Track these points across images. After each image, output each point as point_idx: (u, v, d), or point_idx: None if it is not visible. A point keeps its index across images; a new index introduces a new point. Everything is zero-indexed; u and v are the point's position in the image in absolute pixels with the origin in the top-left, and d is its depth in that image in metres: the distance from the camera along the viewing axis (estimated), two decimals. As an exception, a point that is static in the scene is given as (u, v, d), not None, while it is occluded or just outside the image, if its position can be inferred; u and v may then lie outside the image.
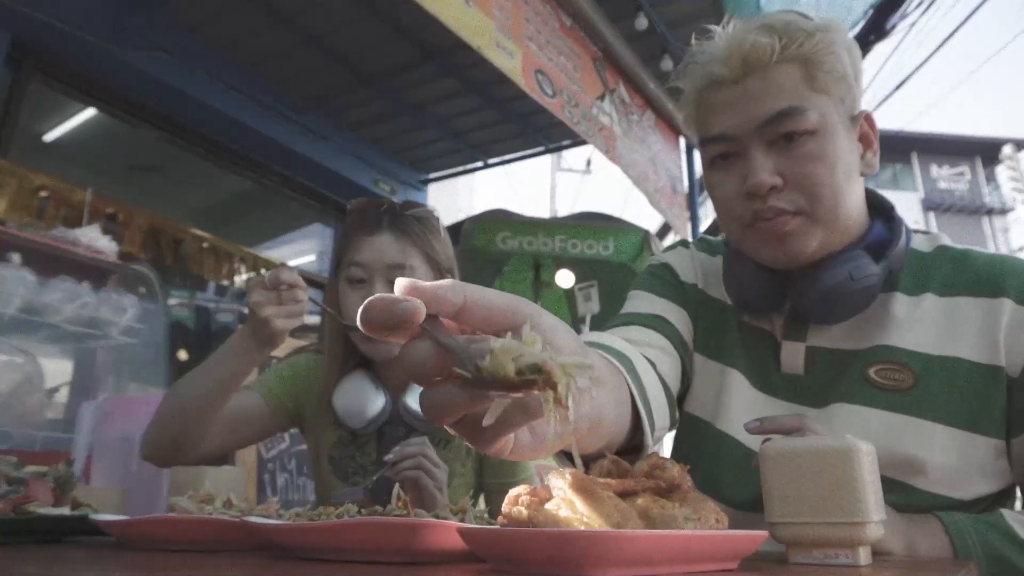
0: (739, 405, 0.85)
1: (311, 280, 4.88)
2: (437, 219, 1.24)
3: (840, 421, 0.77)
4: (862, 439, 0.56)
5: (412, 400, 1.17)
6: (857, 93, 0.79)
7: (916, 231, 0.87)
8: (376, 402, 1.17)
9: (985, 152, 23.73)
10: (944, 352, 0.76)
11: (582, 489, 0.46)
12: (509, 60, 2.71)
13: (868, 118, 0.80)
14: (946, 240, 0.85)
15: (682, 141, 4.53)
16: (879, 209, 0.84)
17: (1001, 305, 0.75)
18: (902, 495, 0.73)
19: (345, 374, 1.21)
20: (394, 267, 1.15)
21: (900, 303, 0.79)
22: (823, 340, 0.81)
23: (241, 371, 1.04)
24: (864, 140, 0.80)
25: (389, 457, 1.03)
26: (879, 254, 0.78)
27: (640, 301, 0.92)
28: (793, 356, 0.82)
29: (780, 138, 0.75)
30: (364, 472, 1.20)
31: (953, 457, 0.73)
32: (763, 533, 0.50)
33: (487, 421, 0.35)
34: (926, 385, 0.75)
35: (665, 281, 0.95)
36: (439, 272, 1.20)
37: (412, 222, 1.18)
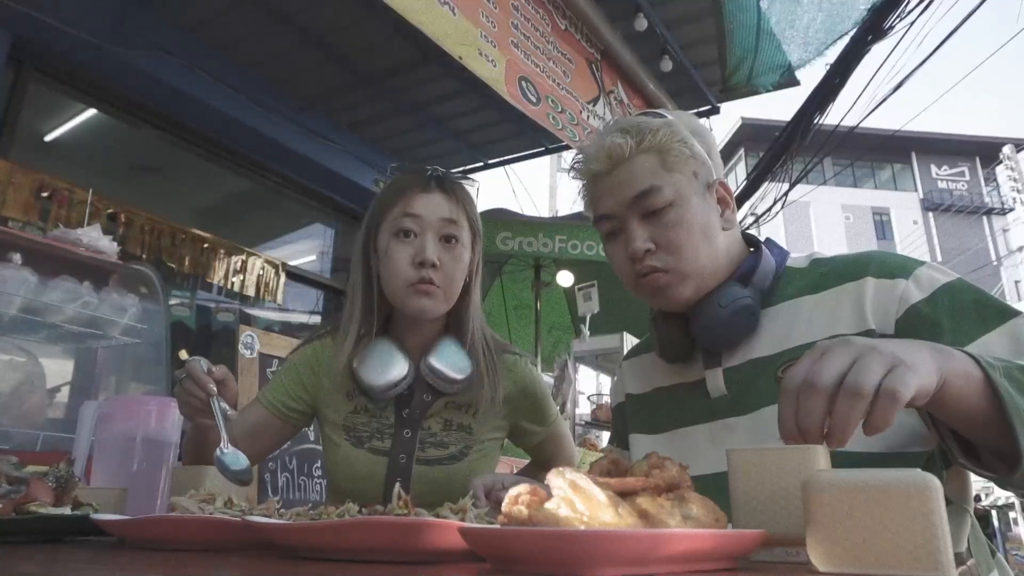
0: (692, 448, 0.96)
1: (311, 280, 4.89)
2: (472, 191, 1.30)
3: (765, 421, 0.86)
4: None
5: (435, 360, 1.18)
6: (711, 165, 0.96)
7: (806, 255, 1.01)
8: (400, 367, 1.18)
9: (984, 152, 23.72)
10: (828, 334, 0.86)
11: (582, 489, 0.46)
12: (491, 69, 2.72)
13: (722, 184, 0.97)
14: (820, 255, 1.00)
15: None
16: (756, 245, 1.00)
17: (864, 284, 0.87)
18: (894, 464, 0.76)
19: (364, 346, 1.21)
20: (446, 221, 1.18)
21: (783, 310, 0.93)
22: (735, 360, 0.95)
23: (199, 439, 1.13)
24: (722, 202, 0.97)
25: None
26: (747, 280, 0.94)
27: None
28: (715, 380, 0.95)
29: (649, 212, 0.92)
30: (382, 436, 1.20)
31: None
32: (762, 532, 0.50)
33: None
34: None
35: (616, 430, 1.18)
36: (475, 236, 1.24)
37: (459, 186, 1.23)
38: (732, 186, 1.06)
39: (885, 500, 0.46)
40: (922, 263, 0.88)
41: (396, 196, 1.20)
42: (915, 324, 0.81)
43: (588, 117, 3.39)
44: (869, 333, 0.84)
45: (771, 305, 0.95)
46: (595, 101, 3.51)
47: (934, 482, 0.46)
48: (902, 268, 0.87)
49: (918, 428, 0.79)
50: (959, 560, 0.53)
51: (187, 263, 3.79)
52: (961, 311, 0.81)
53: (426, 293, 1.15)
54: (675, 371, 1.03)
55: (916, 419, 0.77)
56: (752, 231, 1.11)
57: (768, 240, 1.02)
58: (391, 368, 1.17)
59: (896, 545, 0.45)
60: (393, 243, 1.17)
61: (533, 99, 2.97)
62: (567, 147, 5.08)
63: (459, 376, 1.18)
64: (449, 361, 1.18)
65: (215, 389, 1.02)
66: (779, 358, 0.90)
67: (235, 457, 0.98)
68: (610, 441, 1.22)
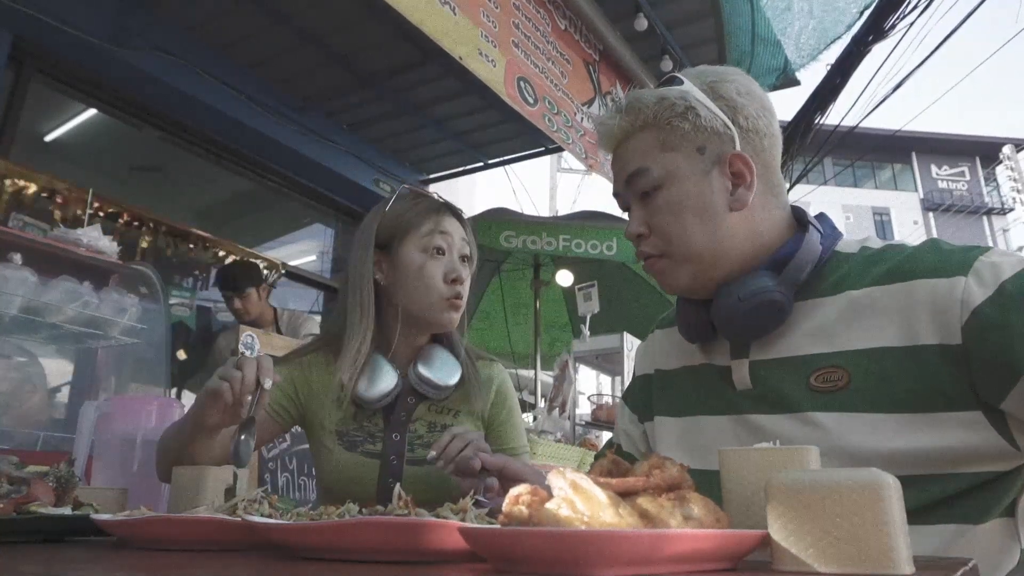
0: (713, 439, 0.89)
1: (311, 280, 4.89)
2: None
3: (796, 430, 0.79)
4: (818, 445, 0.56)
5: (425, 369, 1.24)
6: (733, 133, 0.85)
7: (858, 239, 0.89)
8: (389, 379, 1.23)
9: (984, 152, 23.72)
10: (868, 345, 0.78)
11: (582, 489, 0.46)
12: (491, 69, 2.72)
13: (738, 156, 0.86)
14: (874, 242, 0.88)
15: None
16: (805, 225, 0.88)
17: (917, 287, 0.76)
18: (926, 488, 0.72)
19: (365, 363, 1.24)
20: (464, 242, 1.28)
21: (821, 307, 0.83)
22: (764, 354, 0.86)
23: (189, 449, 1.05)
24: (736, 177, 0.86)
25: (432, 455, 1.05)
26: (782, 268, 0.83)
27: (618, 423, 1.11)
28: (740, 372, 0.87)
29: (643, 193, 0.88)
30: (373, 440, 1.24)
31: (912, 440, 0.73)
32: (763, 532, 0.50)
33: None
34: (860, 380, 0.77)
35: (635, 394, 1.07)
36: (471, 262, 1.32)
37: (462, 214, 1.31)
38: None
39: (838, 498, 0.46)
40: (984, 250, 0.76)
41: (425, 216, 1.26)
42: (983, 329, 0.71)
43: (582, 119, 3.38)
44: (921, 350, 0.74)
45: (809, 297, 0.84)
46: (590, 103, 3.51)
47: (887, 480, 0.46)
48: (961, 263, 0.74)
49: (985, 447, 0.72)
50: (961, 563, 0.53)
51: (187, 263, 3.80)
52: None
53: (456, 308, 1.25)
54: (704, 352, 0.95)
55: (985, 437, 0.72)
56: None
57: (821, 216, 0.91)
58: (381, 381, 1.22)
59: (849, 543, 0.46)
60: (424, 257, 1.24)
61: (531, 100, 2.97)
62: (567, 147, 5.09)
63: (448, 383, 1.24)
64: (438, 370, 1.25)
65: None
66: (810, 361, 0.81)
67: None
68: (623, 397, 1.13)
